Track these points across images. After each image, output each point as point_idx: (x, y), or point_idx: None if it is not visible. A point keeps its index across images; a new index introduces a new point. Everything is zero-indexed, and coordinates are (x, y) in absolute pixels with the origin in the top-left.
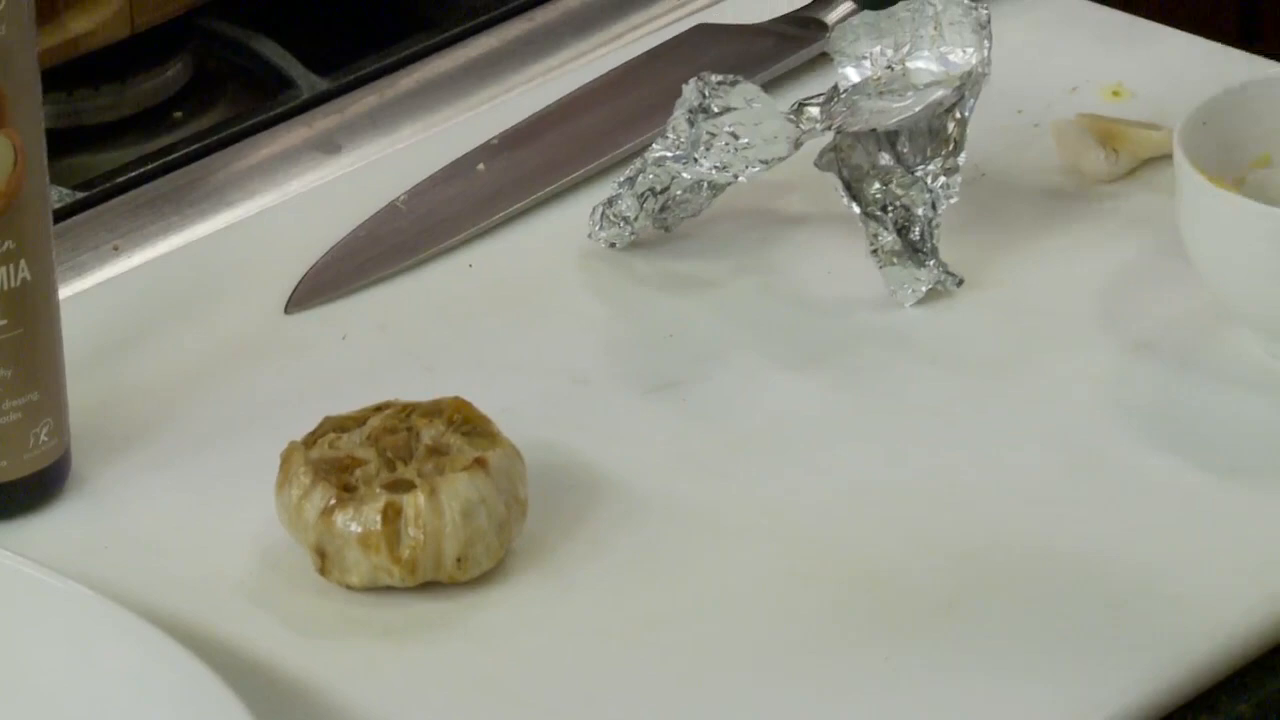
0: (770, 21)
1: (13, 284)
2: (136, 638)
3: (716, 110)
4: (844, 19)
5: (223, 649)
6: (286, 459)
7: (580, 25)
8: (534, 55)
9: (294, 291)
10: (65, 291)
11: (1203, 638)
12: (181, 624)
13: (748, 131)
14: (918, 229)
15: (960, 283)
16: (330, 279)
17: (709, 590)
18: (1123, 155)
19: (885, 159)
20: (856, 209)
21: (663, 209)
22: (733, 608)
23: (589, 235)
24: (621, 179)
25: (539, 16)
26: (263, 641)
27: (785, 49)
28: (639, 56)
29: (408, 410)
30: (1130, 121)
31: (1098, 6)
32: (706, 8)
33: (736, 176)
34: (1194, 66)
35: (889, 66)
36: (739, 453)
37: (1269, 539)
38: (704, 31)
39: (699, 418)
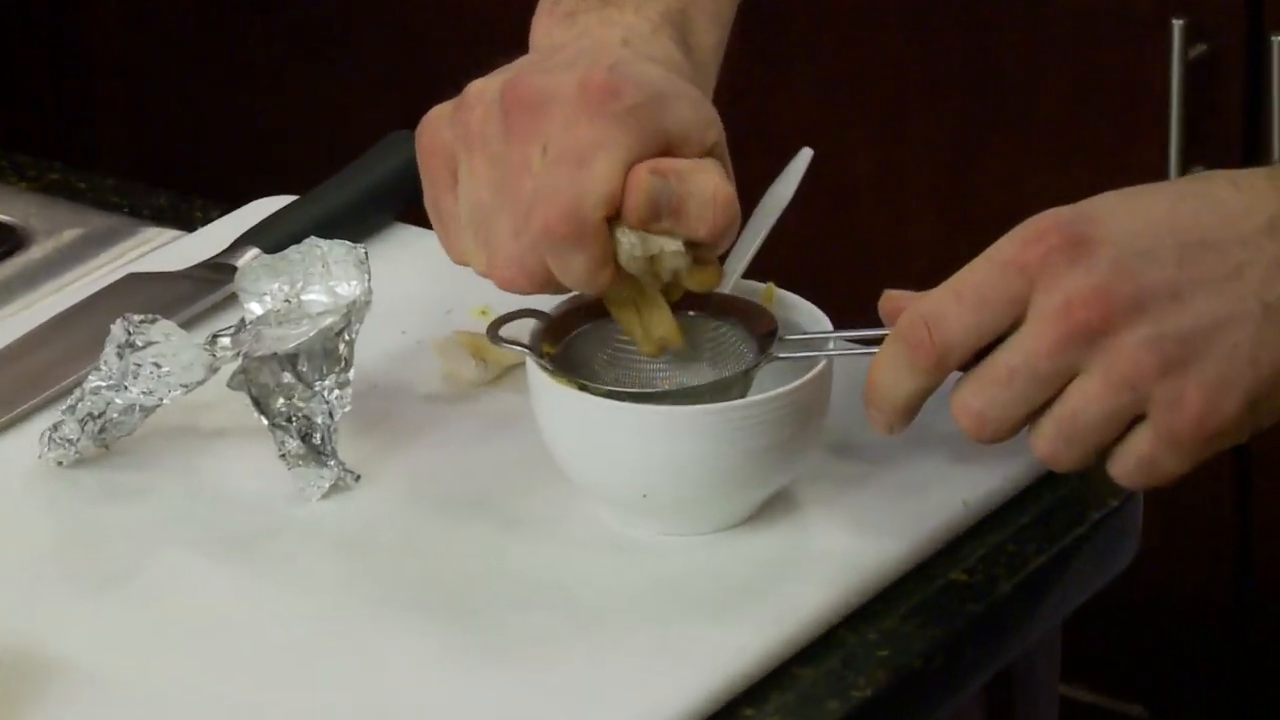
0: (189, 268)
1: None
2: None
3: (141, 344)
4: (249, 262)
5: None
6: None
7: (31, 278)
8: None
9: None
10: None
11: None
12: None
13: (168, 361)
14: (319, 435)
15: (358, 478)
16: None
17: None
18: (491, 364)
19: (287, 378)
20: (265, 421)
21: (101, 430)
22: None
23: (39, 456)
24: (65, 406)
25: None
26: None
27: (201, 291)
28: (79, 302)
29: None
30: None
31: None
32: (138, 259)
33: (162, 400)
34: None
35: (286, 300)
36: (172, 634)
37: (624, 671)
38: (134, 279)
39: (138, 606)
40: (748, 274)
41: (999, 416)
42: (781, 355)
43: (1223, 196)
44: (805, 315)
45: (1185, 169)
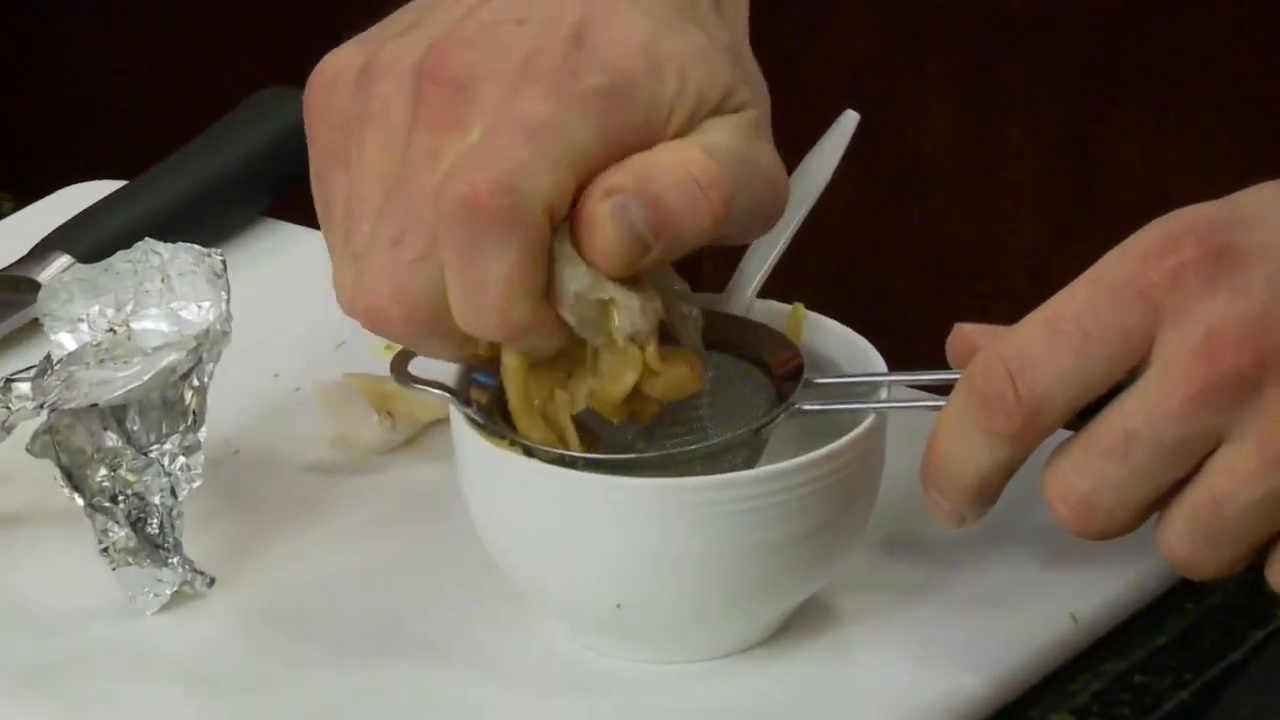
0: None
1: None
2: None
3: None
4: (57, 276)
5: None
6: None
7: None
8: None
9: None
10: None
11: None
12: None
13: None
14: (156, 520)
15: (211, 583)
16: None
17: None
18: (400, 420)
19: (112, 439)
20: (80, 500)
21: None
22: None
23: None
24: None
25: None
26: None
27: None
28: None
29: None
30: None
31: None
32: None
33: None
34: None
35: (111, 329)
36: None
37: None
38: None
39: None
40: (768, 288)
41: (1112, 503)
42: (809, 406)
43: None
44: (845, 349)
45: None
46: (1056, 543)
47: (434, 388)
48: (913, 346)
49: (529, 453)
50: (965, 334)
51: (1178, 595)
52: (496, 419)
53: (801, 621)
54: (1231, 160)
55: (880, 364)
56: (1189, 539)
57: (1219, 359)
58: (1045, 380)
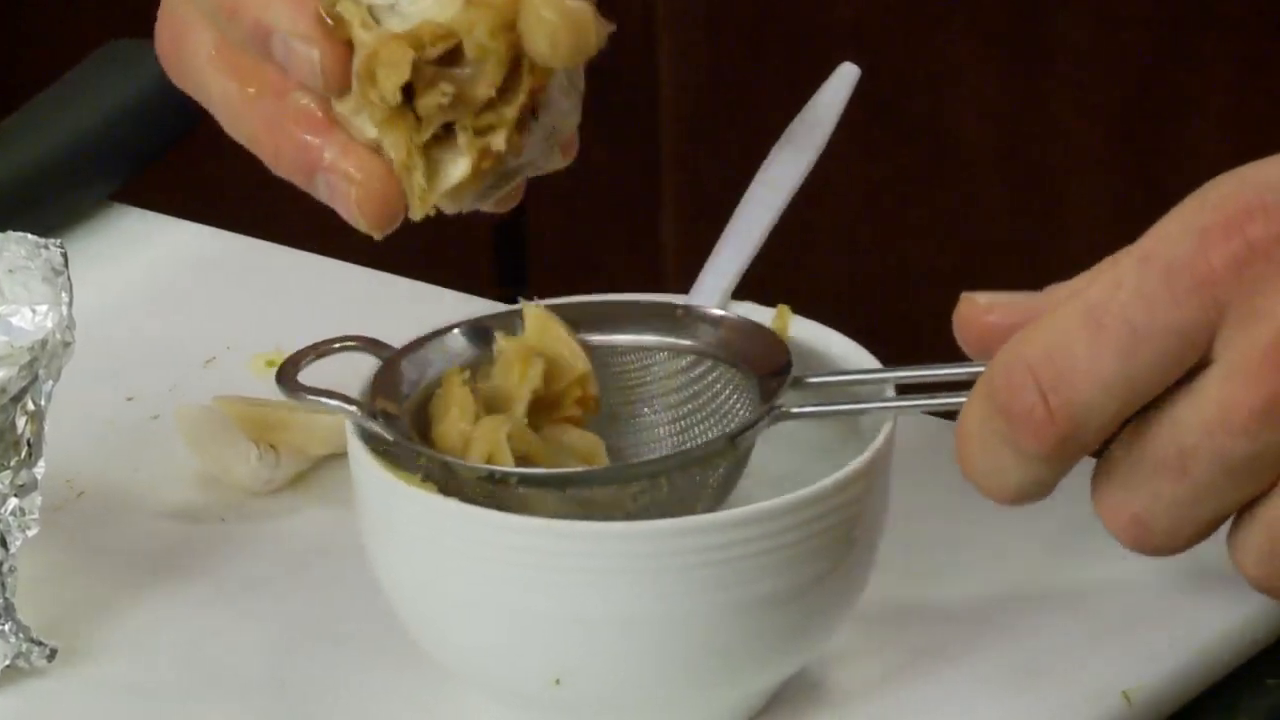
0: None
1: None
2: None
3: None
4: None
5: None
6: None
7: None
8: None
9: None
10: None
11: None
12: None
13: None
14: None
15: (52, 655)
16: None
17: None
18: (285, 454)
19: None
20: None
21: None
22: None
23: None
24: None
25: None
26: None
27: None
28: None
29: None
30: (296, 405)
31: (243, 239)
32: None
33: None
34: (384, 315)
35: None
36: None
37: None
38: None
39: None
40: (745, 288)
41: (1170, 524)
42: (798, 410)
43: None
44: (841, 362)
45: None
46: (1106, 600)
47: (331, 399)
48: (922, 349)
49: (448, 474)
50: (977, 309)
51: (1257, 669)
52: (412, 435)
53: (787, 702)
54: None
55: (889, 394)
56: (1266, 560)
57: None
58: (1085, 392)
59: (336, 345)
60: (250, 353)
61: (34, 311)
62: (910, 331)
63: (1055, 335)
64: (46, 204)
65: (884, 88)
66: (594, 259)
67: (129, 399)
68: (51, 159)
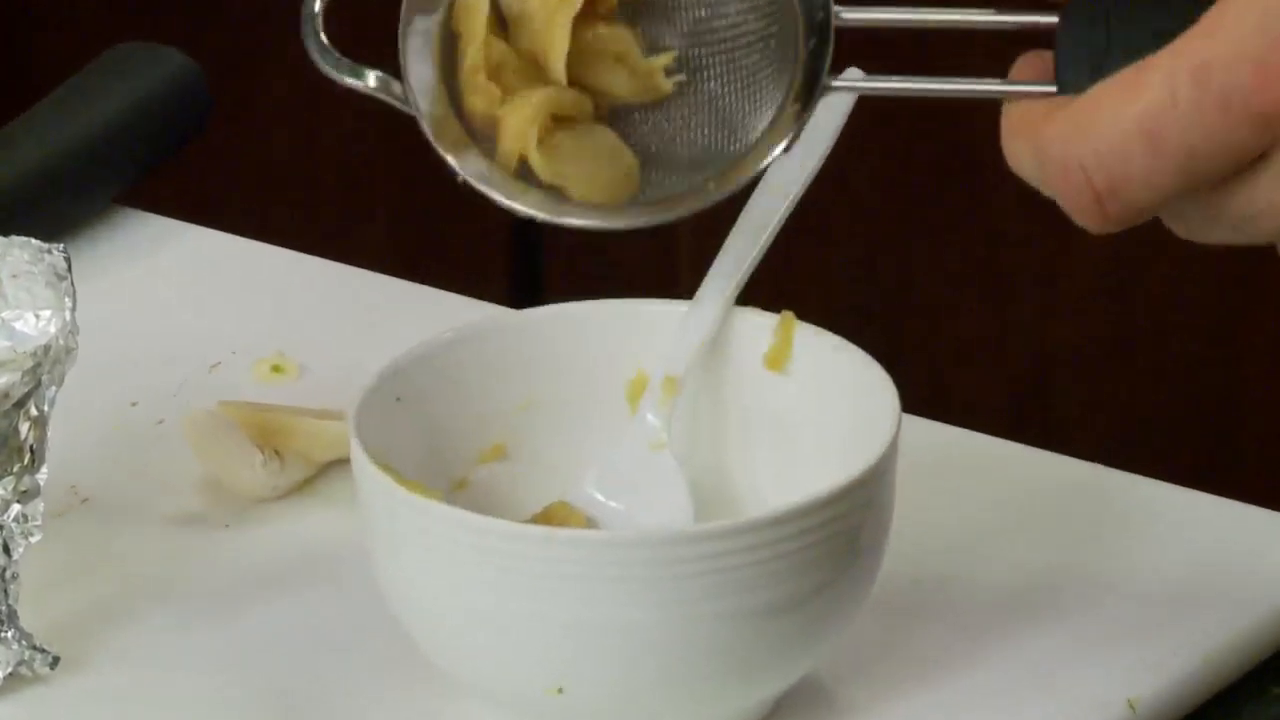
0: None
1: None
2: None
3: None
4: None
5: None
6: None
7: None
8: None
9: None
10: None
11: None
12: None
13: None
14: None
15: (55, 663)
16: None
17: None
18: (290, 459)
19: None
20: None
21: None
22: None
23: None
24: None
25: None
26: None
27: None
28: None
29: None
30: (300, 410)
31: (247, 243)
32: None
33: None
34: (392, 321)
35: None
36: None
37: None
38: None
39: None
40: (753, 297)
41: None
42: (841, 85)
43: None
44: (849, 375)
45: None
46: (1111, 609)
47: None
48: (948, 380)
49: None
50: (1033, 116)
51: (1262, 677)
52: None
53: (790, 710)
54: None
55: (893, 401)
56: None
57: None
58: (1142, 199)
59: None
60: (255, 357)
61: (38, 316)
62: (921, 335)
63: (1115, 148)
64: (51, 208)
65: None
66: (610, 261)
67: (133, 404)
68: (57, 163)
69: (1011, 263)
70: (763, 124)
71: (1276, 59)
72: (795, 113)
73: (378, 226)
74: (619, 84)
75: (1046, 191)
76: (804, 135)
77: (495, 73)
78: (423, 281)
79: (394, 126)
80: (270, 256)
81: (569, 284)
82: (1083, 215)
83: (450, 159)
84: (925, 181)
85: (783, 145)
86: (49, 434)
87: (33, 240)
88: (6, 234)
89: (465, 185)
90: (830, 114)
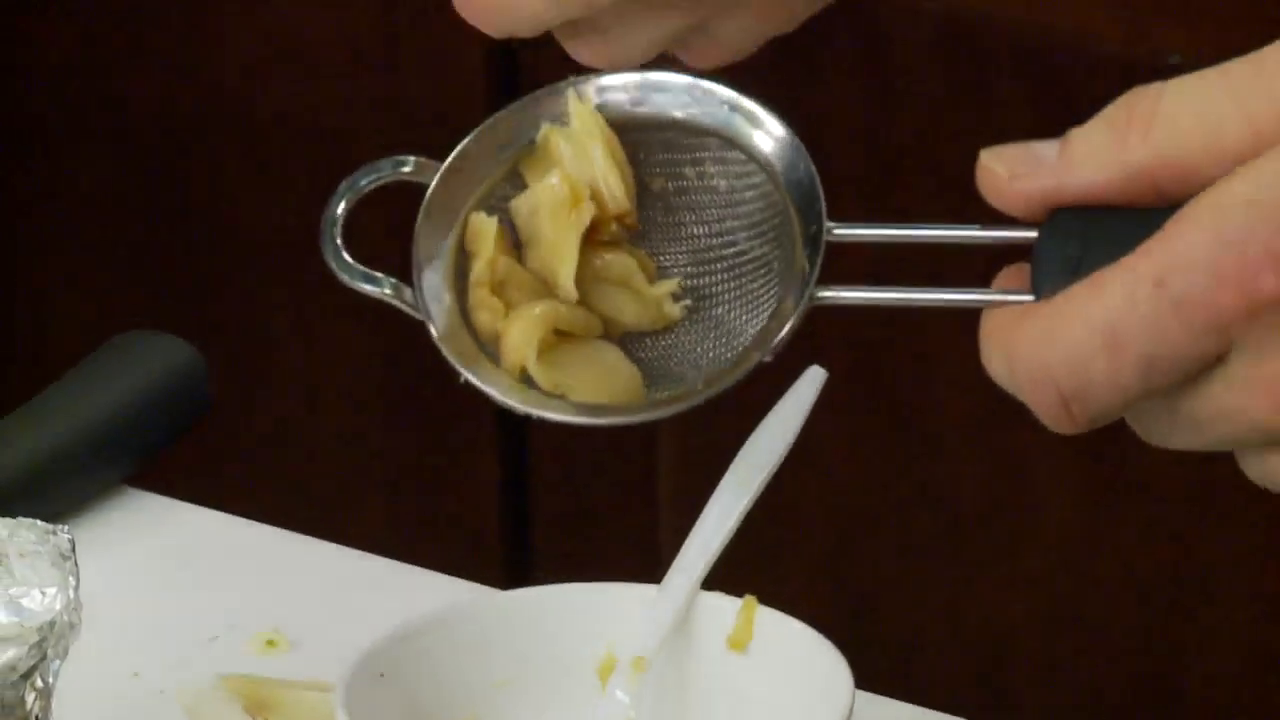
0: None
1: None
2: None
3: None
4: None
5: None
6: None
7: None
8: None
9: None
10: None
11: None
12: None
13: None
14: None
15: None
16: None
17: None
18: None
19: None
20: None
21: None
22: None
23: None
24: None
25: None
26: None
27: None
28: None
29: None
30: (291, 683)
31: (245, 523)
32: None
33: None
34: (381, 599)
35: None
36: None
37: None
38: None
39: None
40: (719, 580)
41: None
42: (829, 296)
43: None
44: (806, 661)
45: None
46: None
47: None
48: (908, 663)
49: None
50: (1000, 179)
51: None
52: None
53: None
54: None
55: (848, 682)
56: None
57: None
58: (1105, 402)
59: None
60: (251, 631)
61: (43, 594)
62: (879, 619)
63: (1076, 353)
64: (58, 490)
65: (866, 365)
66: (594, 546)
67: (135, 675)
68: (63, 448)
69: (972, 540)
70: (754, 331)
71: (1230, 266)
72: (784, 321)
73: (374, 504)
74: (627, 310)
75: (1018, 396)
76: (776, 414)
77: (500, 288)
78: (417, 551)
79: (394, 417)
80: (267, 537)
81: (555, 567)
82: (1050, 418)
83: (460, 368)
84: (885, 466)
85: (769, 354)
86: (54, 704)
87: (39, 522)
88: (15, 515)
89: (466, 385)
90: (801, 395)
